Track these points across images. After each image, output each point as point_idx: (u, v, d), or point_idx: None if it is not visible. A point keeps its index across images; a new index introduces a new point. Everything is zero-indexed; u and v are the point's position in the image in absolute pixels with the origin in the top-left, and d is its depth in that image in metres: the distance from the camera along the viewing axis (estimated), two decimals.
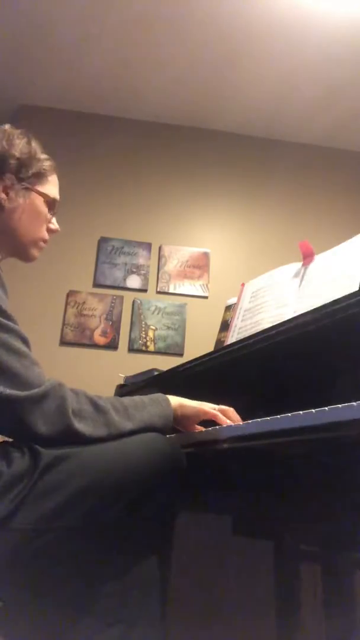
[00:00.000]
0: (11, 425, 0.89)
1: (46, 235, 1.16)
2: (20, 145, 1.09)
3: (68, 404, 0.91)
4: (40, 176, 1.12)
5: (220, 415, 1.09)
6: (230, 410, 1.11)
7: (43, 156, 1.13)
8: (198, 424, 1.13)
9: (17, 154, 1.08)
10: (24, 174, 1.09)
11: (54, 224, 1.18)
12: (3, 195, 1.07)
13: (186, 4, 2.41)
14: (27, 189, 1.10)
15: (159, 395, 1.08)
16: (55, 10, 2.48)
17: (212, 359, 1.31)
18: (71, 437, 0.91)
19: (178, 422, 1.09)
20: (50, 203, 1.15)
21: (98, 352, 2.72)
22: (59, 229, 1.19)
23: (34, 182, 1.11)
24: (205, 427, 1.12)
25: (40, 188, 1.12)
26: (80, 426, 0.91)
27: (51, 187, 1.15)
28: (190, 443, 1.09)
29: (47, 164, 1.14)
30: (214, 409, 1.10)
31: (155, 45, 2.66)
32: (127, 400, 1.02)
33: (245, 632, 1.58)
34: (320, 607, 1.17)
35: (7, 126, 1.11)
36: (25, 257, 1.15)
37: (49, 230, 1.17)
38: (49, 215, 1.15)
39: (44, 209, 1.13)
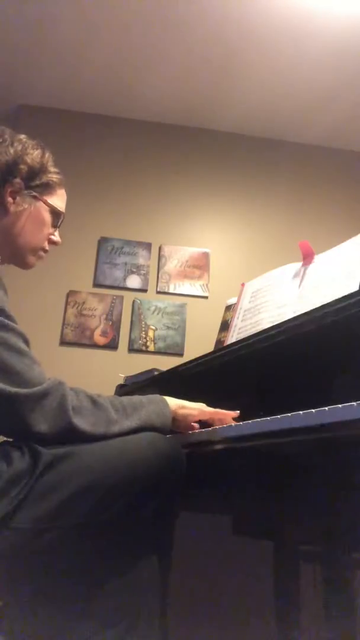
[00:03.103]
0: (12, 423, 0.89)
1: (46, 246, 1.17)
2: (33, 154, 1.11)
3: (68, 401, 0.91)
4: (48, 187, 1.13)
5: (219, 415, 1.10)
6: (227, 413, 1.11)
7: (54, 169, 1.15)
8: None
9: (29, 161, 1.09)
10: (33, 181, 1.11)
11: (56, 237, 1.19)
12: (9, 199, 1.08)
13: (186, 4, 2.41)
14: (34, 197, 1.11)
15: (156, 395, 1.09)
16: (55, 11, 2.47)
17: (212, 359, 1.31)
18: (71, 435, 0.91)
19: (176, 423, 1.10)
20: (55, 215, 1.16)
21: (98, 352, 2.72)
22: (60, 242, 1.20)
23: (42, 191, 1.12)
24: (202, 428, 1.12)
25: (48, 199, 1.13)
26: (80, 424, 0.92)
27: (58, 200, 1.16)
28: (190, 443, 1.09)
29: (57, 177, 1.15)
30: (212, 411, 1.11)
31: (155, 46, 2.66)
32: (125, 399, 1.03)
33: (245, 632, 1.57)
34: (320, 607, 1.17)
35: (22, 136, 1.13)
36: (23, 263, 1.15)
37: (50, 242, 1.18)
38: (52, 228, 1.16)
39: (48, 219, 1.14)
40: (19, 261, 1.15)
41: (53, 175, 1.14)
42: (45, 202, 1.13)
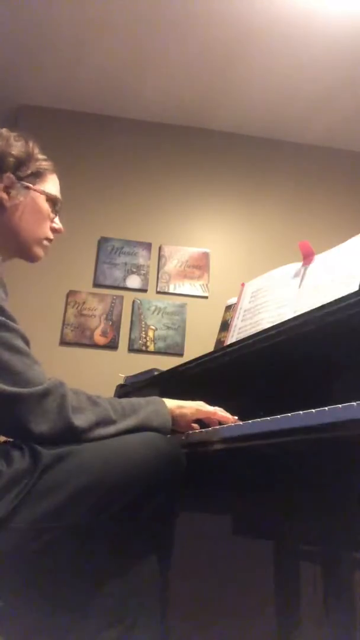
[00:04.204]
0: (12, 423, 0.89)
1: (50, 234, 1.16)
2: (17, 145, 1.10)
3: (68, 401, 0.91)
4: (39, 175, 1.13)
5: (218, 413, 1.10)
6: (226, 417, 1.12)
7: (41, 156, 1.14)
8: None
9: (15, 152, 1.09)
10: (22, 172, 1.10)
11: (57, 224, 1.18)
12: (4, 195, 1.07)
13: (186, 4, 2.41)
14: (27, 187, 1.10)
15: (155, 397, 1.10)
16: (55, 10, 2.47)
17: (212, 359, 1.32)
18: (71, 435, 0.91)
19: (176, 423, 1.10)
20: (52, 201, 1.15)
21: (98, 352, 2.72)
22: (63, 229, 1.19)
23: (34, 180, 1.12)
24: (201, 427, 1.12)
25: (40, 186, 1.13)
26: (80, 424, 0.92)
27: (51, 185, 1.16)
28: (190, 443, 1.09)
29: (45, 164, 1.14)
30: (210, 411, 1.11)
31: (155, 46, 2.66)
32: (124, 401, 1.04)
33: (245, 632, 1.58)
34: (320, 607, 1.17)
35: (3, 130, 1.12)
36: (30, 256, 1.15)
37: (53, 230, 1.17)
38: (52, 215, 1.16)
39: (45, 207, 1.14)
40: (25, 254, 1.14)
41: (41, 163, 1.13)
42: (39, 191, 1.12)
